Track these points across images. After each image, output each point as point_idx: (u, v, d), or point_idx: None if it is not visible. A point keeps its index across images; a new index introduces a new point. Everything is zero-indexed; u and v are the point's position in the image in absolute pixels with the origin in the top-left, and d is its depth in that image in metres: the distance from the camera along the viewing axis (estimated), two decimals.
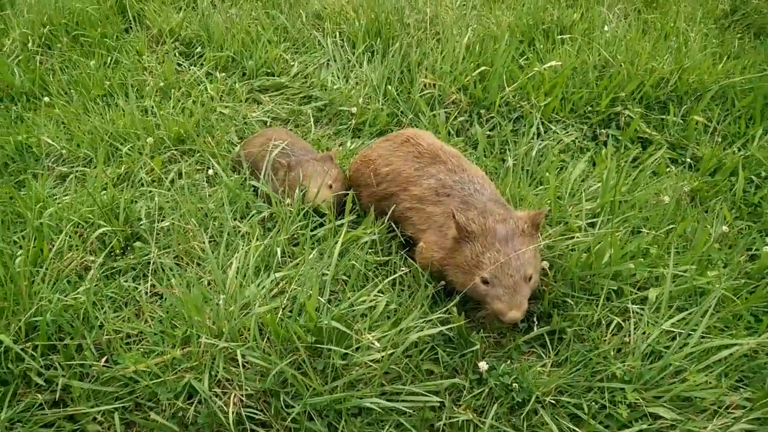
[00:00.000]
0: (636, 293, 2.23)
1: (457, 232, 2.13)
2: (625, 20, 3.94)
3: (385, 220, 2.53)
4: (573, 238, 2.41)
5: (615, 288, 2.24)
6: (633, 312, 2.14)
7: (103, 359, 2.06)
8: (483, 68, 3.37)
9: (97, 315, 2.15)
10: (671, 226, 2.47)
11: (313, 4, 4.24)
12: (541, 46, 3.59)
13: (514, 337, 2.22)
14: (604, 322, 2.16)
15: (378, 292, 2.22)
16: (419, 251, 2.33)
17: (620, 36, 3.60)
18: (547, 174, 2.80)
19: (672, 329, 2.06)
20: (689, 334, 2.02)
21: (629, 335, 2.08)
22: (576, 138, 3.06)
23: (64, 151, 2.99)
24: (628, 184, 2.68)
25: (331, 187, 2.64)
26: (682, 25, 3.71)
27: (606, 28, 3.61)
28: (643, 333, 2.06)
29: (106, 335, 2.14)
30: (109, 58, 3.70)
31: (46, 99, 3.37)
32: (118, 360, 2.05)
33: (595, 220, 2.51)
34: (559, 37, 3.55)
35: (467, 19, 3.83)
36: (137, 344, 2.15)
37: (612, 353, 2.06)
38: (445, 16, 3.94)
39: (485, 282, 2.05)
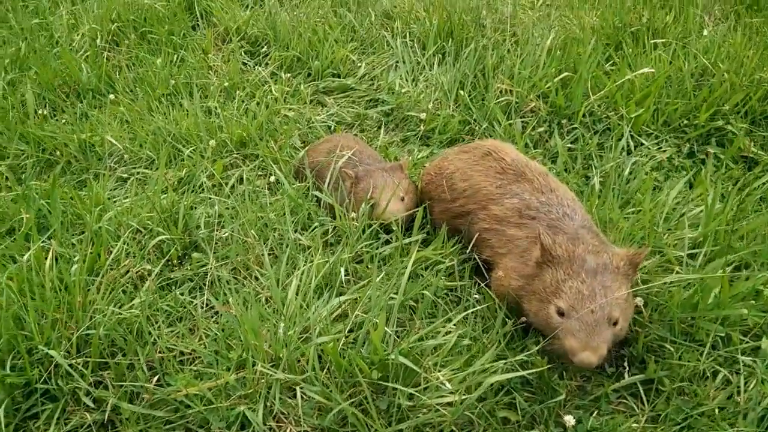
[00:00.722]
0: (746, 341, 1.94)
1: (540, 255, 1.89)
2: (724, 24, 3.57)
3: (460, 240, 2.32)
4: (672, 271, 2.14)
5: (722, 334, 1.95)
6: (744, 364, 1.86)
7: (155, 379, 1.94)
8: (565, 74, 3.10)
9: (151, 330, 2.04)
10: None
11: (383, 2, 4.06)
12: (630, 50, 3.28)
13: (602, 383, 1.97)
14: (709, 373, 1.89)
15: (449, 323, 2.01)
16: (496, 278, 2.11)
17: (720, 41, 3.25)
18: (639, 195, 2.52)
19: None
20: None
21: (740, 392, 1.80)
22: (671, 155, 2.76)
23: (126, 152, 2.92)
24: (733, 210, 2.37)
25: (402, 200, 2.44)
26: None
27: (705, 32, 3.27)
28: (758, 390, 1.78)
29: (159, 353, 2.03)
30: (175, 56, 3.63)
31: (112, 96, 3.32)
32: (170, 381, 1.93)
33: (696, 251, 2.22)
34: (652, 41, 3.23)
35: (549, 21, 3.56)
36: (190, 363, 2.03)
37: (718, 413, 1.78)
38: (524, 17, 3.68)
39: (561, 313, 1.80)
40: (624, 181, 2.58)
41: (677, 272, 2.13)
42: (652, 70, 2.93)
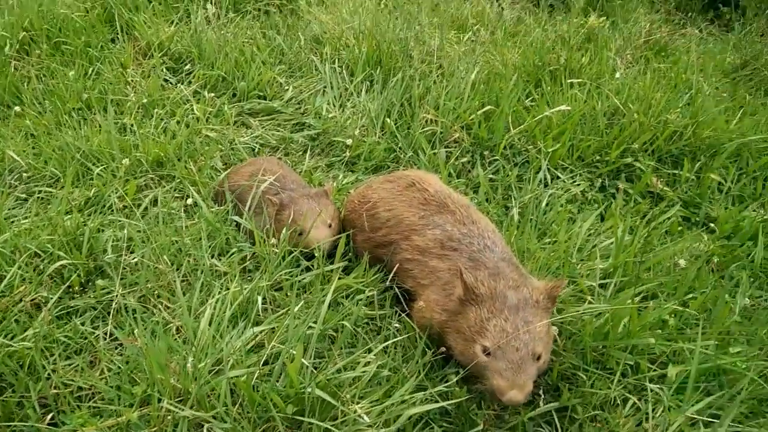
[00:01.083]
0: (654, 369, 2.01)
1: (463, 293, 1.90)
2: (634, 67, 3.81)
3: (381, 269, 2.30)
4: (584, 301, 2.20)
5: (631, 362, 2.02)
6: (652, 391, 1.92)
7: (48, 417, 1.78)
8: (488, 107, 3.19)
9: (45, 364, 1.87)
10: (690, 295, 2.27)
11: (313, 27, 4.05)
12: (549, 88, 3.42)
13: (518, 411, 1.98)
14: (619, 401, 1.94)
15: (369, 353, 1.97)
16: (418, 309, 2.09)
17: (630, 83, 3.45)
18: (555, 226, 2.60)
19: (696, 416, 1.84)
20: (714, 423, 1.80)
21: (648, 419, 1.86)
22: (584, 188, 2.88)
23: (29, 169, 2.72)
24: (640, 243, 2.48)
25: (330, 226, 2.40)
26: (694, 77, 3.58)
27: (617, 74, 3.47)
28: (665, 417, 1.84)
29: (54, 388, 1.86)
30: (91, 69, 3.45)
31: (17, 108, 3.11)
32: (64, 420, 1.77)
33: (607, 281, 2.31)
34: (569, 81, 3.39)
35: (474, 55, 3.66)
36: (89, 400, 1.87)
37: None
38: (450, 51, 3.77)
39: (487, 352, 1.80)
40: (541, 213, 2.66)
41: (589, 302, 2.19)
42: (569, 108, 3.06)
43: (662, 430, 1.82)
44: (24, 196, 2.63)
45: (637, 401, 1.93)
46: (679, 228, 2.78)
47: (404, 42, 3.65)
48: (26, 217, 2.47)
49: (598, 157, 3.02)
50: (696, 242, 2.64)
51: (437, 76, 3.53)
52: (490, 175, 2.99)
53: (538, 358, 1.80)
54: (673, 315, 2.17)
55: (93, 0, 4.02)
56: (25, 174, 2.72)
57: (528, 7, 4.80)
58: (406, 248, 2.19)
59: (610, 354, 2.02)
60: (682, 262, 2.41)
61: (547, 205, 2.68)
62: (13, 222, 2.44)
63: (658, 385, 1.95)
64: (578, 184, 2.89)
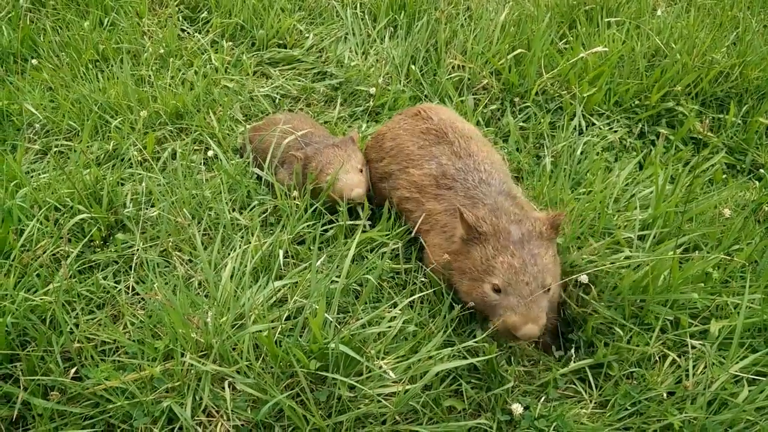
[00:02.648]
0: (695, 325, 1.91)
1: (466, 233, 1.82)
2: (676, 5, 3.55)
3: (393, 215, 2.21)
4: (620, 252, 2.08)
5: (671, 318, 1.92)
6: (693, 348, 1.83)
7: (72, 371, 1.77)
8: (519, 51, 3.01)
9: (67, 318, 1.85)
10: (735, 247, 2.13)
11: None
12: (584, 29, 3.21)
13: (549, 368, 1.90)
14: (658, 358, 1.84)
15: (394, 308, 1.90)
16: (425, 257, 2.03)
17: (673, 22, 3.22)
18: (590, 176, 2.46)
19: (740, 373, 1.74)
20: (760, 381, 1.70)
21: (688, 377, 1.77)
22: (622, 135, 2.71)
23: (47, 122, 2.67)
24: (682, 192, 2.34)
25: (361, 171, 2.31)
26: (741, 14, 3.32)
27: (658, 12, 3.23)
28: (707, 375, 1.74)
29: (77, 343, 1.84)
30: (106, 20, 3.35)
31: (34, 61, 3.04)
32: (88, 374, 1.75)
33: (646, 232, 2.18)
34: (606, 20, 3.17)
35: None
36: (112, 354, 1.85)
37: (666, 397, 1.75)
38: None
39: (497, 290, 1.75)
40: (575, 162, 2.52)
41: (627, 256, 2.08)
42: (606, 49, 2.86)
43: (704, 387, 1.73)
44: (43, 149, 2.59)
45: (677, 358, 1.84)
46: (724, 176, 2.61)
47: None
48: (45, 172, 2.43)
49: (637, 102, 2.84)
50: (742, 191, 2.48)
51: (464, 19, 3.34)
52: (521, 123, 2.84)
53: (548, 289, 1.75)
54: (717, 267, 2.05)
55: None
56: (42, 127, 2.67)
57: None
58: (403, 184, 2.12)
59: (648, 308, 1.92)
60: (726, 212, 2.26)
61: (581, 153, 2.54)
62: (32, 176, 2.40)
63: (699, 341, 1.85)
64: (615, 131, 2.72)
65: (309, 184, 2.24)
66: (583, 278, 1.99)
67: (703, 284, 1.97)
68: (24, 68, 3.09)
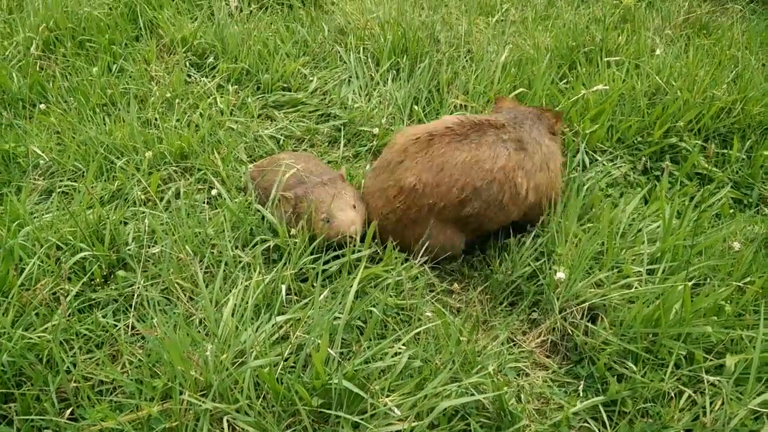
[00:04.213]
0: (710, 359, 1.85)
1: None
2: (674, 45, 3.61)
3: (410, 255, 2.19)
4: (630, 287, 2.04)
5: (684, 352, 1.86)
6: (709, 383, 1.76)
7: (68, 412, 1.71)
8: (520, 90, 3.05)
9: (64, 357, 1.81)
10: (747, 279, 2.09)
11: (337, 18, 3.97)
12: (584, 69, 3.26)
13: (561, 406, 1.84)
14: (673, 394, 1.78)
15: (398, 343, 1.86)
16: None
17: (672, 61, 3.26)
18: (596, 210, 2.44)
19: (759, 408, 1.67)
20: None
21: (706, 413, 1.70)
22: (626, 171, 2.71)
23: (52, 164, 2.69)
24: (689, 226, 2.31)
25: (354, 207, 2.28)
26: (739, 53, 3.37)
27: (657, 52, 3.28)
28: (725, 411, 1.67)
29: (74, 382, 1.80)
30: (115, 66, 3.43)
31: (42, 106, 3.09)
32: (83, 414, 1.70)
33: (654, 266, 2.15)
34: (606, 59, 3.22)
35: (504, 37, 3.52)
36: (110, 394, 1.80)
37: None
38: (479, 35, 3.64)
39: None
40: (581, 198, 2.50)
41: (636, 288, 2.04)
42: (606, 87, 2.89)
43: (722, 424, 1.65)
44: (47, 190, 2.60)
45: (692, 394, 1.77)
46: (731, 210, 2.59)
47: (430, 27, 3.53)
48: (49, 211, 2.43)
49: (639, 138, 2.84)
50: (750, 224, 2.45)
51: (466, 60, 3.40)
52: None
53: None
54: (729, 300, 2.00)
55: None
56: (47, 167, 2.69)
57: None
58: None
59: (661, 343, 1.86)
60: (736, 245, 2.22)
61: (587, 189, 2.52)
62: (35, 216, 2.40)
63: (715, 377, 1.78)
64: (619, 167, 2.72)
65: (305, 223, 2.22)
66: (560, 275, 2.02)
67: (716, 318, 1.92)
68: (32, 113, 3.15)
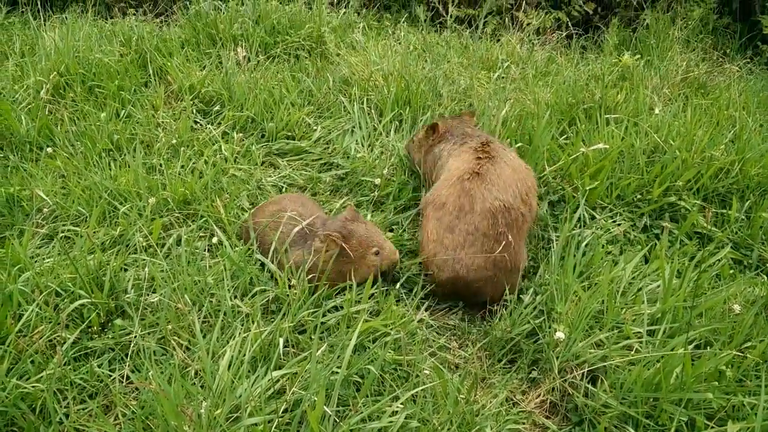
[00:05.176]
0: (711, 426, 1.82)
1: None
2: (672, 104, 3.68)
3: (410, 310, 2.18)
4: (631, 348, 2.03)
5: (685, 418, 1.83)
6: None
7: None
8: (520, 144, 3.10)
9: (57, 408, 1.79)
10: (748, 344, 2.08)
11: (342, 69, 4.06)
12: (583, 126, 3.32)
13: None
14: None
15: (396, 401, 1.83)
16: None
17: (670, 120, 3.32)
18: (595, 268, 2.45)
19: None
20: None
21: None
22: (625, 229, 2.72)
23: (56, 208, 2.71)
24: (689, 286, 2.31)
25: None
26: (737, 113, 3.44)
27: (656, 110, 3.35)
28: None
29: None
30: (123, 112, 3.49)
31: (49, 149, 3.13)
32: None
33: (655, 327, 2.14)
34: (605, 117, 3.29)
35: (505, 93, 3.60)
36: None
37: None
38: (480, 90, 3.72)
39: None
40: (581, 254, 2.51)
41: (637, 349, 2.02)
42: (606, 146, 2.94)
43: None
44: (49, 234, 2.61)
45: None
46: (731, 271, 2.59)
47: (433, 81, 3.61)
48: (50, 256, 2.44)
49: (639, 196, 2.87)
50: (751, 286, 2.45)
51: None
52: None
53: None
54: (730, 365, 1.98)
55: (128, 46, 4.12)
56: (50, 211, 2.71)
57: (559, 48, 4.75)
58: None
59: (662, 408, 1.84)
60: (736, 308, 2.22)
61: (586, 245, 2.54)
62: (36, 261, 2.41)
63: None
64: (619, 224, 2.74)
65: (350, 263, 2.31)
66: (559, 335, 2.01)
67: (717, 383, 1.90)
68: (38, 156, 3.19)
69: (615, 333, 2.11)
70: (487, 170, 2.45)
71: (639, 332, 2.11)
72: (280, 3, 4.73)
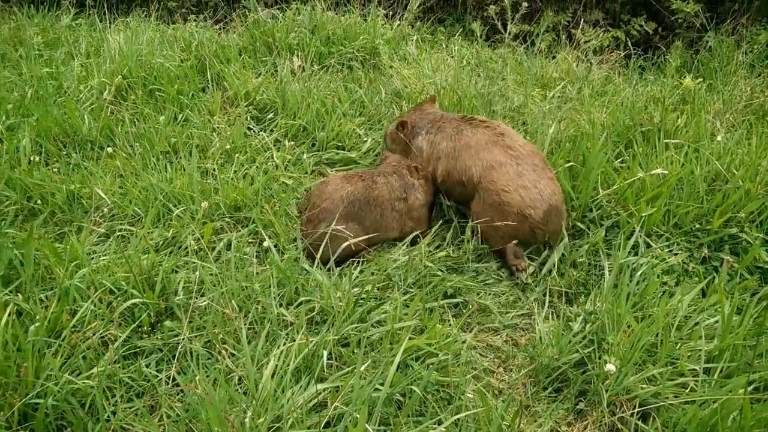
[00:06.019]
0: None
1: None
2: (735, 131, 3.54)
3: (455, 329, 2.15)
4: (686, 386, 1.95)
5: None
6: None
7: None
8: (571, 164, 3.03)
9: (106, 405, 1.83)
10: None
11: (394, 82, 4.07)
12: (641, 149, 3.22)
13: None
14: None
15: (438, 425, 1.80)
16: None
17: (733, 148, 3.20)
18: (649, 298, 2.36)
19: None
20: None
21: None
22: (683, 259, 2.62)
23: (113, 207, 2.79)
24: (750, 323, 2.20)
25: None
26: None
27: (718, 137, 3.22)
28: None
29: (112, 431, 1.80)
30: (180, 116, 3.58)
31: (109, 149, 3.24)
32: None
33: (711, 365, 2.04)
34: (665, 142, 3.18)
35: (560, 113, 3.53)
36: None
37: None
38: (534, 108, 3.66)
39: None
40: (635, 282, 2.42)
41: (692, 388, 1.94)
42: (665, 172, 2.84)
43: None
44: (107, 233, 2.69)
45: None
46: None
47: (486, 97, 3.58)
48: (105, 254, 2.51)
49: (697, 225, 2.76)
50: None
51: (521, 132, 3.41)
52: (574, 241, 2.79)
53: None
54: None
55: (188, 52, 4.23)
56: (112, 210, 2.79)
57: (616, 67, 4.64)
58: None
59: None
60: None
61: (641, 275, 2.45)
62: (93, 258, 2.48)
63: None
64: (676, 254, 2.64)
65: None
66: (610, 367, 1.94)
67: None
68: (99, 155, 3.30)
69: (669, 369, 2.03)
70: (501, 128, 2.82)
71: (695, 369, 2.03)
72: (336, 14, 4.78)
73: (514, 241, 2.59)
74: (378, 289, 2.45)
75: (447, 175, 2.80)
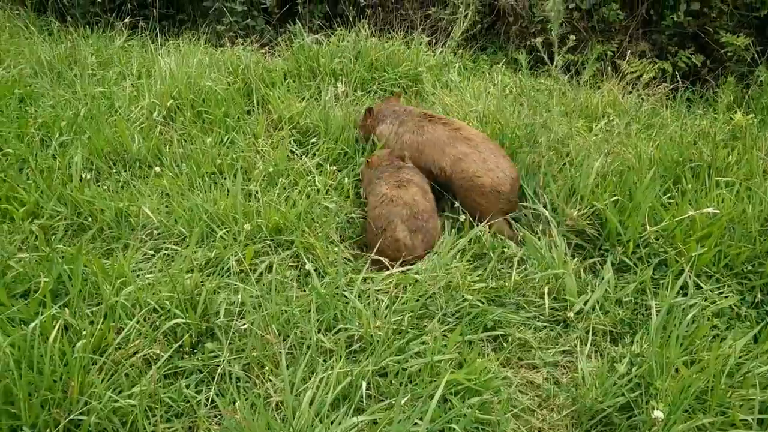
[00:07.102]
0: None
1: None
2: None
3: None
4: None
5: None
6: None
7: None
8: (616, 197, 2.97)
9: (146, 425, 1.84)
10: None
11: (436, 108, 4.08)
12: (690, 186, 3.14)
13: None
14: None
15: None
16: None
17: None
18: (698, 342, 2.28)
19: None
20: None
21: None
22: (734, 302, 2.53)
23: (160, 226, 2.85)
24: None
25: None
26: None
27: None
28: None
29: None
30: (226, 138, 3.65)
31: (157, 169, 3.31)
32: None
33: (765, 416, 1.95)
34: (716, 179, 3.10)
35: (608, 146, 3.48)
36: None
37: None
38: (579, 140, 3.62)
39: None
40: (684, 325, 2.34)
41: None
42: (717, 211, 2.76)
43: None
44: (152, 252, 2.74)
45: None
46: None
47: (530, 128, 3.55)
48: (151, 272, 2.55)
49: (750, 267, 2.67)
50: None
51: (565, 164, 3.37)
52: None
53: None
54: None
55: (235, 75, 4.34)
56: (158, 229, 2.84)
57: (663, 100, 4.56)
58: None
59: None
60: None
61: (690, 317, 2.37)
62: (138, 275, 2.52)
63: None
64: (726, 296, 2.55)
65: None
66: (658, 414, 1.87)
67: None
68: (147, 174, 3.38)
69: (720, 418, 1.95)
70: (456, 123, 3.36)
71: (747, 420, 1.94)
72: (380, 40, 4.84)
73: (500, 218, 3.00)
74: (416, 318, 2.43)
75: (412, 163, 3.29)
